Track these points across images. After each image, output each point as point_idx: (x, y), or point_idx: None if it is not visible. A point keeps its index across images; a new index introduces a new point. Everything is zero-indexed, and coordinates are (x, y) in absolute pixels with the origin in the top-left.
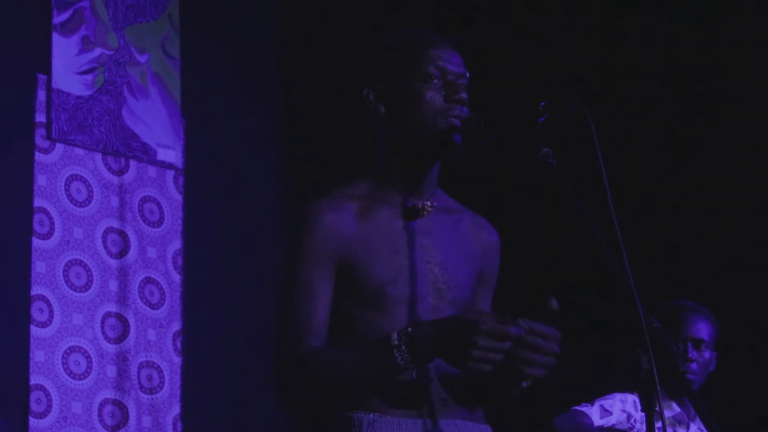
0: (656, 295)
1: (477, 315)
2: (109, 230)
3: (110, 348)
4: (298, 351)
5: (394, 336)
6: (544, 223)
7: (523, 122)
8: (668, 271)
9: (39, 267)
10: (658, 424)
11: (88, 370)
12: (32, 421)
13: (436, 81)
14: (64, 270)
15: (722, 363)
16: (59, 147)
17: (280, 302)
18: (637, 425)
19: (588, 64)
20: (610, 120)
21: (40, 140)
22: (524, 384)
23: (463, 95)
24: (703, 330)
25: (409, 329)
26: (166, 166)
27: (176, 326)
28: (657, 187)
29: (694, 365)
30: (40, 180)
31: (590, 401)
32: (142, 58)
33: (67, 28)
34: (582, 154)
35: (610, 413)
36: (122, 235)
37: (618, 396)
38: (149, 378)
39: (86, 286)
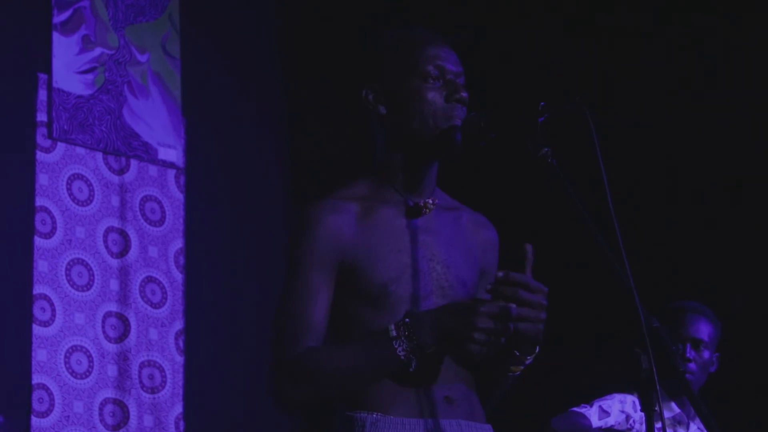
0: (656, 295)
1: (475, 300)
2: (110, 229)
3: (111, 347)
4: (294, 351)
5: (392, 328)
6: (544, 222)
7: (523, 122)
8: (668, 270)
9: (41, 266)
10: (658, 425)
11: (90, 369)
12: (34, 420)
13: (435, 81)
14: (66, 269)
15: (721, 362)
16: (60, 146)
17: (279, 304)
18: (636, 426)
19: (588, 64)
20: (610, 118)
21: (41, 139)
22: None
23: (464, 94)
24: (702, 330)
25: (407, 320)
26: (167, 165)
27: (178, 325)
28: (657, 186)
29: (692, 365)
30: (42, 179)
31: (589, 402)
32: (142, 58)
33: (67, 28)
34: (582, 154)
35: (609, 414)
36: (123, 234)
37: (617, 396)
38: (151, 377)
39: (88, 285)
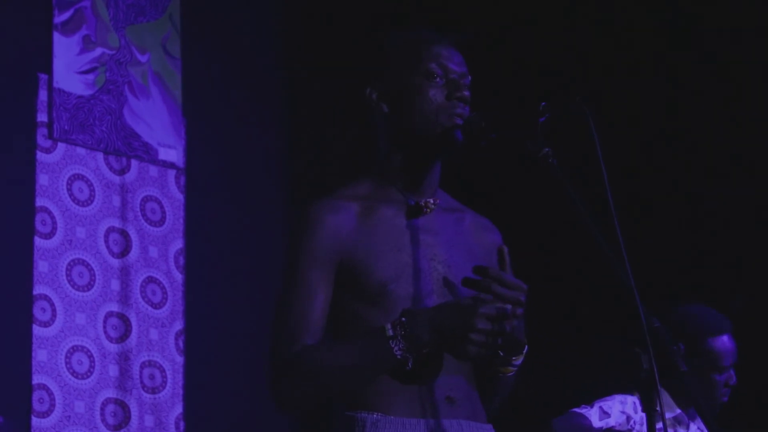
0: (657, 295)
1: (474, 299)
2: (110, 230)
3: (112, 347)
4: (292, 350)
5: (389, 327)
6: (544, 223)
7: (524, 122)
8: (669, 270)
9: (41, 266)
10: (659, 425)
11: (91, 369)
12: (35, 421)
13: (438, 79)
14: (67, 269)
15: None
16: (61, 146)
17: (278, 304)
18: (637, 427)
19: (587, 63)
20: (611, 119)
21: (41, 140)
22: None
23: (466, 93)
24: (735, 351)
25: (403, 319)
26: (167, 165)
27: (178, 325)
28: (658, 186)
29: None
30: (42, 179)
31: (590, 403)
32: (143, 58)
33: (68, 28)
34: (582, 154)
35: (609, 415)
36: (124, 234)
37: (618, 397)
38: (151, 377)
39: (88, 286)
